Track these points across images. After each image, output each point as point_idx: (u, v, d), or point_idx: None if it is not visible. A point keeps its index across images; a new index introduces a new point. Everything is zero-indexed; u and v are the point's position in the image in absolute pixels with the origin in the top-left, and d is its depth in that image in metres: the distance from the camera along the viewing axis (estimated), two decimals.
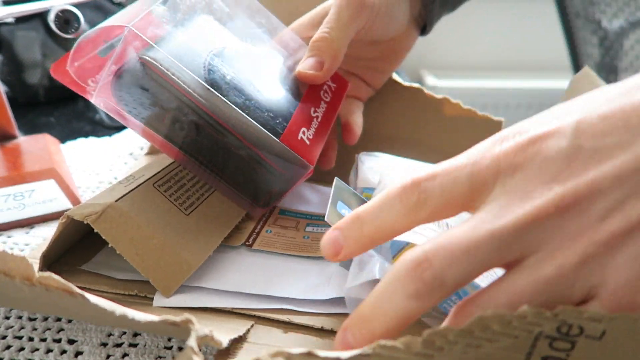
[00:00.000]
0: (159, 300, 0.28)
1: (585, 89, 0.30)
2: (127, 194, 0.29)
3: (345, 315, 0.27)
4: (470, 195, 0.20)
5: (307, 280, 0.30)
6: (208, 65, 0.31)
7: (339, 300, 0.28)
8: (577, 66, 0.92)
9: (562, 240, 0.18)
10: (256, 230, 0.35)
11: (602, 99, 0.19)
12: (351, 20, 0.35)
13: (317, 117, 0.35)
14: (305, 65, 0.35)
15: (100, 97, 0.30)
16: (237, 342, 0.25)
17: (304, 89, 0.36)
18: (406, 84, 0.45)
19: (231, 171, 0.33)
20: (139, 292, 0.29)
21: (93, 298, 0.20)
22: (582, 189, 0.18)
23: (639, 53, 0.85)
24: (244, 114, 0.30)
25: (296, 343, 0.26)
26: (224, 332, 0.23)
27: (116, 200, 0.28)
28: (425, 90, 0.45)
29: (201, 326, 0.20)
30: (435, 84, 1.47)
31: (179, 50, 0.30)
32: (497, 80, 1.47)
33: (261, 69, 0.34)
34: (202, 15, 0.34)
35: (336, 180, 0.28)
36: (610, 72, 0.87)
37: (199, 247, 0.30)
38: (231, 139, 0.31)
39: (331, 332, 0.27)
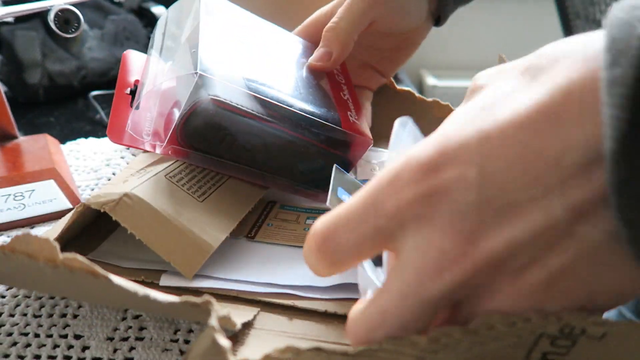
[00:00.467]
0: (165, 281, 0.29)
1: None
2: (141, 184, 0.30)
3: (348, 300, 0.28)
4: (380, 244, 0.19)
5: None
6: (257, 85, 0.32)
7: (340, 286, 0.29)
8: None
9: (484, 294, 0.18)
10: (257, 224, 0.35)
11: (495, 135, 0.17)
12: (362, 12, 0.37)
13: (347, 99, 0.38)
14: (314, 56, 0.37)
15: (168, 145, 0.32)
16: (244, 328, 0.26)
17: (323, 80, 0.38)
18: (398, 87, 0.47)
19: (300, 172, 0.35)
20: (146, 279, 0.30)
21: (116, 279, 0.21)
22: (500, 249, 0.17)
23: None
24: (313, 117, 0.33)
25: (302, 329, 0.27)
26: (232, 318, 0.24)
27: (131, 189, 0.29)
28: (416, 94, 0.47)
29: (220, 307, 0.20)
30: (435, 84, 1.47)
31: (227, 79, 0.31)
32: None
33: (292, 73, 0.36)
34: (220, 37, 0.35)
35: (335, 167, 0.30)
36: None
37: (215, 229, 0.31)
38: (300, 143, 0.33)
39: (334, 316, 0.27)
